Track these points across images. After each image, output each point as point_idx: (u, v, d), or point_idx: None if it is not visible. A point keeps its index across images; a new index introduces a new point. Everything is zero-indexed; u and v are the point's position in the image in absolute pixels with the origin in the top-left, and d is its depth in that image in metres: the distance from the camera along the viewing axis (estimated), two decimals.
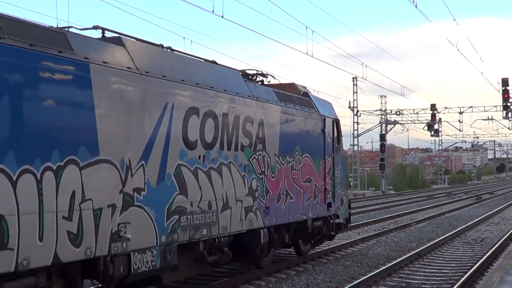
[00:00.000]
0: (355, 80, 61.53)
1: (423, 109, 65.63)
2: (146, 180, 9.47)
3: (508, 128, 68.84)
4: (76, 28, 9.63)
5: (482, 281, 12.23)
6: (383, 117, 66.79)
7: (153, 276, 10.31)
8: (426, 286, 13.17)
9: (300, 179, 14.58)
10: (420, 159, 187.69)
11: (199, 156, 10.80)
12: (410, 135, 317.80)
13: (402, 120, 66.71)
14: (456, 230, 23.64)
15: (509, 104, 51.92)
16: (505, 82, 49.73)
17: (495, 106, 58.78)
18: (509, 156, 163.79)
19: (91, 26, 9.83)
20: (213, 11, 20.18)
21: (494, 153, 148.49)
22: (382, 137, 64.87)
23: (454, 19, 55.92)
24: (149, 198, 9.49)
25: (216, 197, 11.22)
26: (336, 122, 16.96)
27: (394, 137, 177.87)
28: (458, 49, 41.19)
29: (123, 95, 9.12)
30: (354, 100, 62.34)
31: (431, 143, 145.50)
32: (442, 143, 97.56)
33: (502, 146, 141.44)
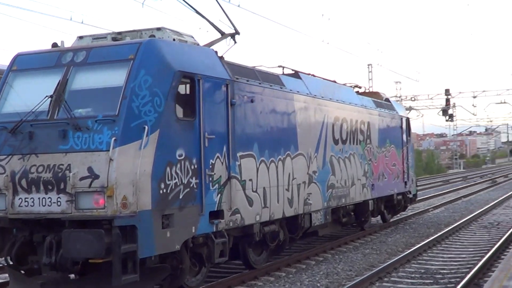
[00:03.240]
0: (370, 66, 62.13)
1: (437, 94, 64.80)
2: (317, 166, 14.60)
3: None
4: (265, 67, 14.64)
5: (500, 264, 12.33)
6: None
7: (313, 231, 15.43)
8: (444, 271, 13.41)
9: (390, 163, 19.75)
10: (435, 144, 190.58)
11: (340, 149, 15.90)
12: (425, 121, 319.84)
13: (417, 106, 65.93)
14: (473, 214, 23.89)
15: None
16: None
17: (508, 90, 61.75)
18: None
19: (276, 65, 14.87)
20: (229, 0, 19.89)
21: (507, 136, 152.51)
22: None
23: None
24: (318, 177, 14.62)
25: (348, 177, 16.32)
26: (408, 120, 22.17)
27: None
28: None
29: (306, 111, 14.21)
30: (369, 87, 60.33)
31: (446, 128, 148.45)
32: (456, 127, 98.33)
33: None
